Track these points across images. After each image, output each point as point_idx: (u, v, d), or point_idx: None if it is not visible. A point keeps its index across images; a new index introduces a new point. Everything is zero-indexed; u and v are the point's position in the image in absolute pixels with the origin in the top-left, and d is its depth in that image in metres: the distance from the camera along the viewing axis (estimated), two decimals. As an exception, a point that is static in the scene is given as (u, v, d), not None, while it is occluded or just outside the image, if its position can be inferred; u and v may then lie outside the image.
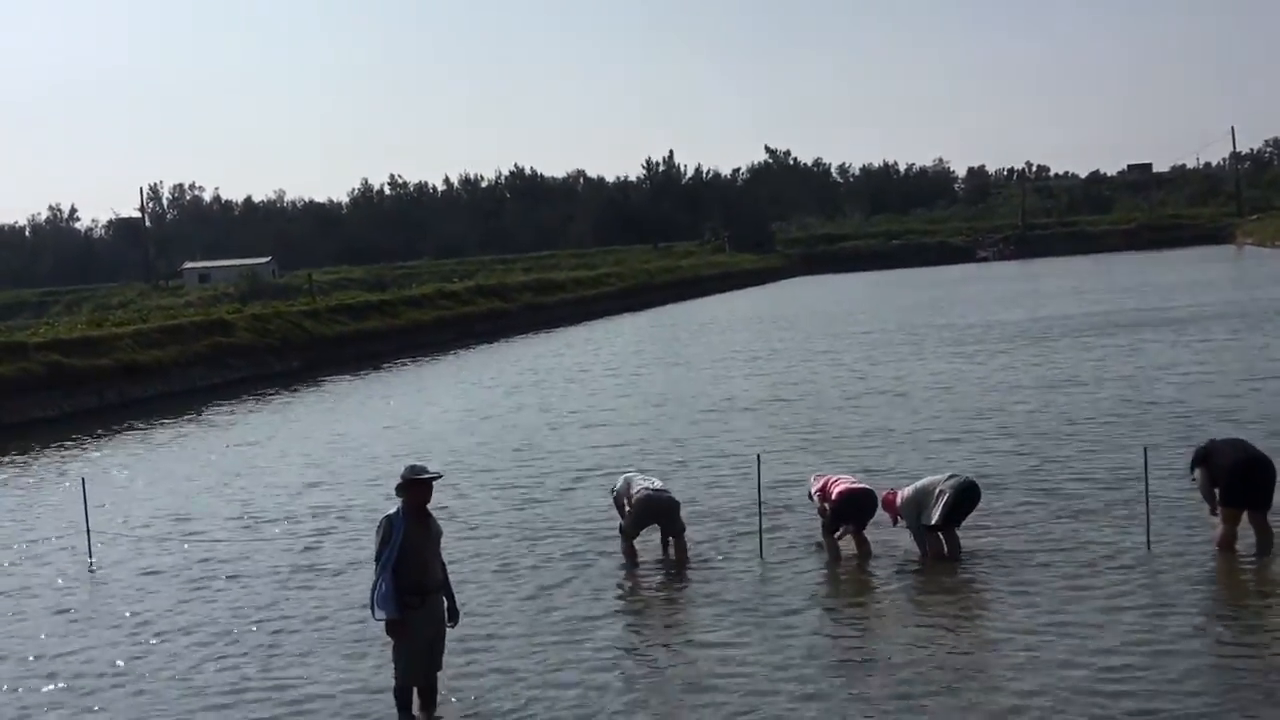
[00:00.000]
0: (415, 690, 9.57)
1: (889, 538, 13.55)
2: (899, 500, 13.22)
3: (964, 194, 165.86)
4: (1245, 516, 12.53)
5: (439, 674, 9.68)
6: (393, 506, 9.52)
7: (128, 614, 13.07)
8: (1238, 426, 18.85)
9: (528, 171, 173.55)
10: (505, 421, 25.66)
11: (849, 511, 13.35)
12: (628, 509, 13.65)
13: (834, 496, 13.32)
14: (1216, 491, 12.58)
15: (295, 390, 35.58)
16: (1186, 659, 9.73)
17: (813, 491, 13.81)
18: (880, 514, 13.55)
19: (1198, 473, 12.77)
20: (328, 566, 14.45)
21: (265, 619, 12.52)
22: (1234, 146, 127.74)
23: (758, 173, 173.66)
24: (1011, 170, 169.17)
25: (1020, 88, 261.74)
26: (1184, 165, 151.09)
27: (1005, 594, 11.69)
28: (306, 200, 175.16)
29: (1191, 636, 10.26)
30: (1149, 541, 12.87)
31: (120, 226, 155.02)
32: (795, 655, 10.42)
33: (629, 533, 13.68)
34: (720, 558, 13.61)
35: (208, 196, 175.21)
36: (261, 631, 12.11)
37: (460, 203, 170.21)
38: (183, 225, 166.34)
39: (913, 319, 46.03)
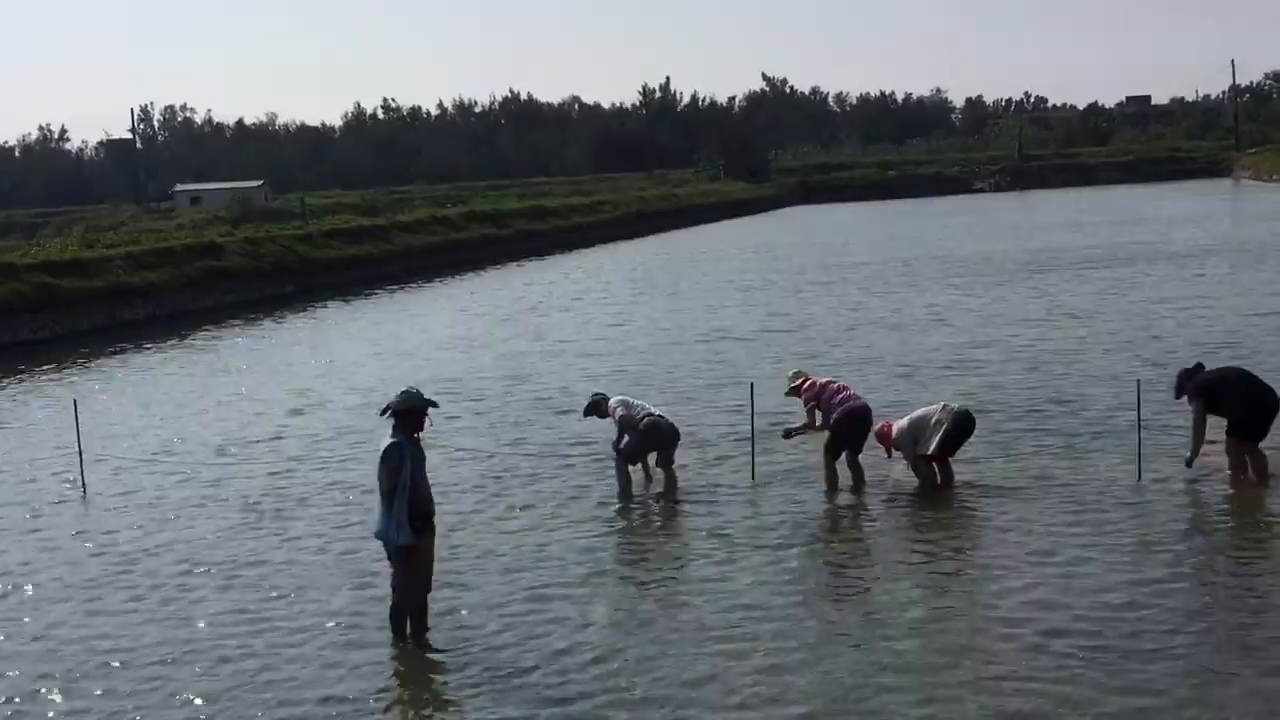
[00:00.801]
0: (409, 614, 9.61)
1: (879, 464, 13.55)
2: (895, 431, 13.18)
3: (961, 125, 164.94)
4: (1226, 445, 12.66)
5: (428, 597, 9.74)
6: (389, 434, 9.44)
7: (103, 536, 13.08)
8: (1234, 360, 18.86)
9: (523, 97, 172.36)
10: (497, 349, 25.59)
11: (855, 431, 13.28)
12: (629, 435, 13.49)
13: (837, 414, 13.24)
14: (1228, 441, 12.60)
15: (286, 315, 35.47)
16: (1174, 595, 9.72)
17: (802, 390, 13.67)
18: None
19: (1195, 404, 12.71)
20: (301, 494, 14.43)
21: (238, 549, 12.49)
22: (1233, 79, 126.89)
23: (754, 101, 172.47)
24: (1009, 101, 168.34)
25: (1019, 18, 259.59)
26: (1183, 98, 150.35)
27: (997, 525, 11.70)
28: (299, 124, 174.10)
29: (1178, 570, 10.24)
30: (1140, 472, 12.87)
31: (111, 148, 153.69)
32: (782, 586, 10.42)
33: (632, 456, 13.58)
34: (712, 486, 13.59)
35: (199, 119, 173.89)
36: (235, 564, 12.05)
37: (454, 128, 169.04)
38: (174, 147, 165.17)
39: (908, 251, 45.87)
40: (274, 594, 10.92)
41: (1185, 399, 12.89)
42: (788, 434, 14.03)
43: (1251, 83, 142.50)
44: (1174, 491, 12.41)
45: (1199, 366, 13.08)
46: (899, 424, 13.20)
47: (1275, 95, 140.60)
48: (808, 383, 13.68)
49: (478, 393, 20.31)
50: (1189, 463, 12.72)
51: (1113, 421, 15.22)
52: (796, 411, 14.21)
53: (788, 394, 14.05)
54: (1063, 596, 9.67)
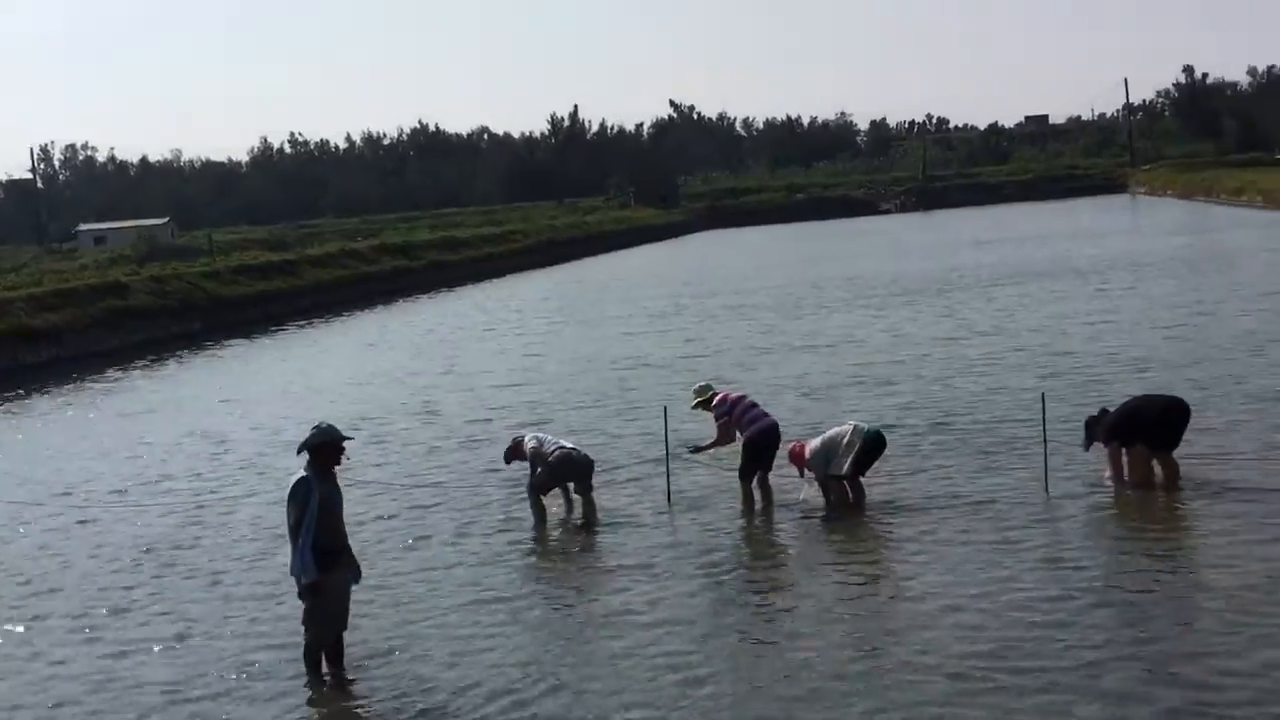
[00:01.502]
0: (324, 651, 9.56)
1: (788, 483, 13.69)
2: (807, 452, 13.33)
3: (866, 147, 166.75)
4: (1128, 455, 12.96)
5: (344, 632, 9.69)
6: (301, 470, 9.40)
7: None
8: (1140, 372, 19.32)
9: (431, 128, 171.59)
10: (409, 383, 25.45)
11: (768, 449, 13.48)
12: (540, 468, 13.63)
13: (750, 433, 13.43)
14: (1125, 452, 12.90)
15: (194, 352, 35.01)
16: (1086, 613, 9.89)
17: (714, 404, 13.79)
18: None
19: (1110, 449, 13.00)
20: (204, 535, 14.27)
21: (140, 592, 12.33)
22: (1127, 98, 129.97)
23: (662, 127, 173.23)
24: (912, 123, 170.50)
25: (920, 41, 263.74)
26: (1079, 117, 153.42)
27: (911, 544, 11.85)
28: (204, 159, 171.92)
29: (1089, 586, 10.42)
30: (1047, 485, 13.12)
31: (11, 188, 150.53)
32: (701, 611, 10.49)
33: (544, 488, 13.66)
34: (628, 512, 13.64)
35: (101, 157, 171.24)
36: (133, 606, 11.91)
37: (363, 160, 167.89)
38: (76, 186, 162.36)
39: (818, 272, 46.33)
40: (179, 631, 10.80)
41: (1098, 444, 13.20)
42: (695, 450, 14.15)
43: (1144, 100, 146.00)
44: (1081, 504, 12.64)
45: (1103, 412, 13.39)
46: (811, 444, 13.35)
47: (1166, 113, 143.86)
48: (719, 396, 13.82)
49: (390, 427, 20.19)
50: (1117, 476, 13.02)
51: (1020, 436, 15.48)
52: (704, 429, 14.33)
53: (694, 407, 14.20)
54: (976, 617, 9.77)
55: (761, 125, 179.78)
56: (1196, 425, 14.29)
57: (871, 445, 13.07)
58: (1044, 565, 10.78)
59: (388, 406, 22.33)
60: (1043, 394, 14.42)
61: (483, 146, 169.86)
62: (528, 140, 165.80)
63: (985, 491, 13.26)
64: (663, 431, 14.62)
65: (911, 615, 9.93)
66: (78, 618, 11.57)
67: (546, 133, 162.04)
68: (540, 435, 14.24)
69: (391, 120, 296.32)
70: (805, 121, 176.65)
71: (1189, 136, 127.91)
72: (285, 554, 9.68)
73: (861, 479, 13.20)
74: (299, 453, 9.48)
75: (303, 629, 9.57)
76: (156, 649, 10.56)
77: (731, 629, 9.98)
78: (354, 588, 9.73)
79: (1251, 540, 11.00)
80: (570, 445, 13.89)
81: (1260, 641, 8.81)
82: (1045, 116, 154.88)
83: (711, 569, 11.55)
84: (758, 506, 13.43)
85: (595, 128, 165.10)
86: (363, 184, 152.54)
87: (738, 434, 13.64)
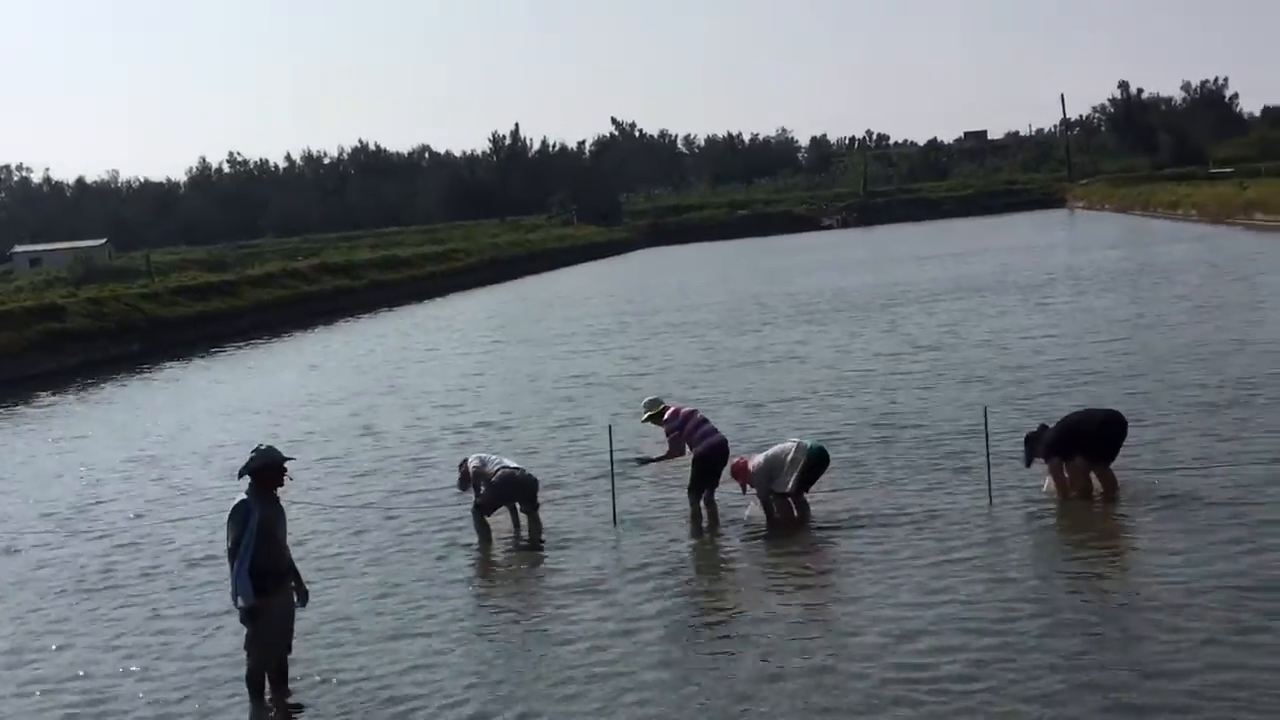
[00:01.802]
0: (266, 675, 9.42)
1: (734, 499, 13.67)
2: (751, 467, 13.31)
3: (807, 163, 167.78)
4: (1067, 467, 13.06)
5: (288, 656, 9.56)
6: (241, 493, 9.29)
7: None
8: (1082, 385, 19.47)
9: (371, 147, 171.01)
10: (351, 404, 25.23)
11: (716, 466, 13.46)
12: (484, 487, 13.55)
13: (700, 449, 13.41)
14: (1065, 466, 13.00)
15: (132, 375, 34.56)
16: (1025, 619, 9.93)
17: (665, 418, 13.75)
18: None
19: (1051, 464, 13.09)
20: (140, 562, 14.05)
21: (76, 623, 12.11)
22: (1064, 113, 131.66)
23: (604, 145, 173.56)
24: (853, 139, 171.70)
25: (860, 58, 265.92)
26: (1017, 132, 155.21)
27: (856, 559, 11.85)
28: (142, 180, 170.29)
29: (1035, 599, 10.46)
30: (990, 498, 13.16)
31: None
32: (647, 629, 10.43)
33: (486, 509, 13.57)
34: (574, 531, 13.56)
35: (37, 178, 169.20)
36: (69, 633, 11.69)
37: (303, 180, 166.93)
38: (11, 208, 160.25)
39: (761, 288, 46.49)
40: (116, 660, 10.60)
41: (1038, 462, 13.29)
42: (643, 463, 14.11)
43: (1081, 116, 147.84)
44: (1023, 518, 12.70)
45: (1043, 428, 13.49)
46: (755, 460, 13.34)
47: (1103, 128, 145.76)
48: (671, 410, 13.80)
49: (332, 448, 19.99)
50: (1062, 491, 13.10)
51: (964, 450, 15.53)
52: (650, 447, 14.28)
53: (645, 420, 14.16)
54: (922, 632, 9.79)
55: (703, 142, 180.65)
56: (1137, 437, 14.45)
57: (815, 462, 13.08)
58: (987, 580, 10.80)
59: (329, 427, 22.11)
60: (985, 408, 14.49)
61: (424, 165, 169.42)
62: (469, 159, 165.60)
63: (930, 506, 13.29)
64: (608, 450, 14.55)
65: (855, 631, 9.91)
66: (8, 653, 11.32)
67: (488, 151, 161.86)
68: (484, 455, 14.16)
69: (332, 139, 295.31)
70: (746, 138, 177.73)
71: (1125, 151, 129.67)
72: (226, 578, 9.52)
73: (806, 495, 13.20)
74: (240, 476, 9.36)
75: (245, 653, 9.42)
76: (93, 679, 10.35)
77: (678, 646, 9.94)
78: (299, 611, 9.60)
79: (1190, 550, 11.08)
80: (514, 464, 13.81)
81: (1199, 651, 8.85)
82: (984, 132, 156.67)
83: (658, 586, 11.49)
84: (704, 523, 13.40)
85: (537, 146, 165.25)
86: (303, 203, 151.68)
87: (687, 449, 13.61)
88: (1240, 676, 8.37)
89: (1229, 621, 9.31)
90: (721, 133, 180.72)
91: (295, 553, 9.85)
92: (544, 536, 13.44)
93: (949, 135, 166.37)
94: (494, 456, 14.11)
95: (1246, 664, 8.56)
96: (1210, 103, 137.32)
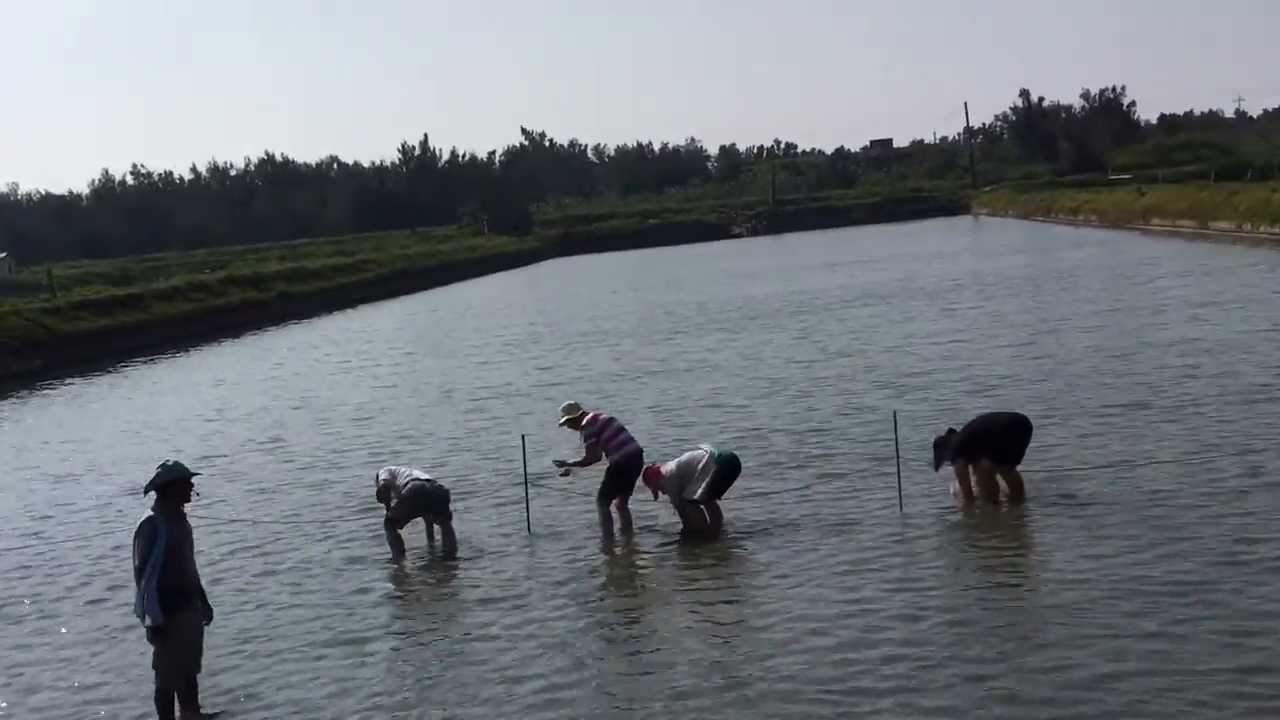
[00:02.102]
0: (175, 693, 9.28)
1: (647, 506, 13.70)
2: (664, 474, 13.35)
3: (717, 172, 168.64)
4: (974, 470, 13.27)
5: (197, 674, 9.44)
6: (147, 509, 9.15)
7: None
8: (989, 389, 19.76)
9: (279, 158, 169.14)
10: (260, 418, 24.93)
11: (631, 475, 13.48)
12: (394, 500, 13.47)
13: (616, 457, 13.42)
14: (971, 469, 13.20)
15: (34, 391, 33.85)
16: (934, 624, 10.06)
17: (583, 424, 13.74)
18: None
19: (957, 466, 13.29)
20: (41, 587, 13.79)
21: None
22: (967, 122, 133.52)
23: (514, 155, 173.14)
24: (761, 148, 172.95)
25: (767, 67, 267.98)
26: (922, 140, 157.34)
27: (766, 564, 11.94)
28: (43, 193, 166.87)
29: (946, 605, 10.60)
30: (901, 503, 13.32)
31: None
32: (562, 639, 10.43)
33: (398, 522, 13.48)
34: (488, 542, 13.52)
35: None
36: None
37: (209, 192, 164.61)
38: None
39: (673, 297, 46.63)
40: (20, 679, 10.38)
41: (946, 465, 13.49)
42: (560, 465, 14.09)
43: (984, 124, 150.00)
44: (933, 522, 12.87)
45: (950, 432, 13.69)
46: (667, 467, 13.39)
47: (1005, 135, 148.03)
48: (589, 416, 13.80)
49: (241, 464, 19.75)
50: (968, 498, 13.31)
51: (874, 455, 15.70)
52: (558, 453, 14.28)
53: (562, 424, 14.14)
54: (835, 638, 9.87)
55: (613, 152, 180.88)
56: (1043, 440, 14.71)
57: (726, 469, 13.15)
58: (898, 585, 10.91)
59: (238, 443, 21.84)
60: (895, 413, 14.66)
61: (332, 176, 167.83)
62: (378, 169, 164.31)
63: (841, 512, 13.42)
64: (521, 460, 14.52)
65: (768, 638, 9.97)
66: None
67: (397, 161, 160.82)
68: (394, 468, 14.07)
69: (238, 150, 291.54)
70: (657, 148, 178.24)
71: (1027, 158, 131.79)
72: (131, 596, 9.37)
73: (719, 501, 13.26)
74: (145, 493, 9.22)
75: (154, 672, 9.27)
76: (-3, 702, 10.14)
77: (593, 656, 9.94)
78: (208, 628, 9.48)
79: (1095, 552, 11.28)
80: (425, 476, 13.72)
81: (1105, 653, 9.00)
82: (890, 140, 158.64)
83: (573, 596, 11.49)
84: (617, 531, 13.42)
85: (446, 156, 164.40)
86: (209, 216, 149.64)
87: (604, 456, 13.62)
88: (1146, 680, 8.53)
89: (1134, 623, 9.49)
90: (631, 142, 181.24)
91: (203, 569, 9.72)
92: (457, 548, 13.37)
93: (856, 144, 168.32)
94: (404, 468, 14.03)
95: (1152, 667, 8.72)
96: (1108, 111, 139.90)
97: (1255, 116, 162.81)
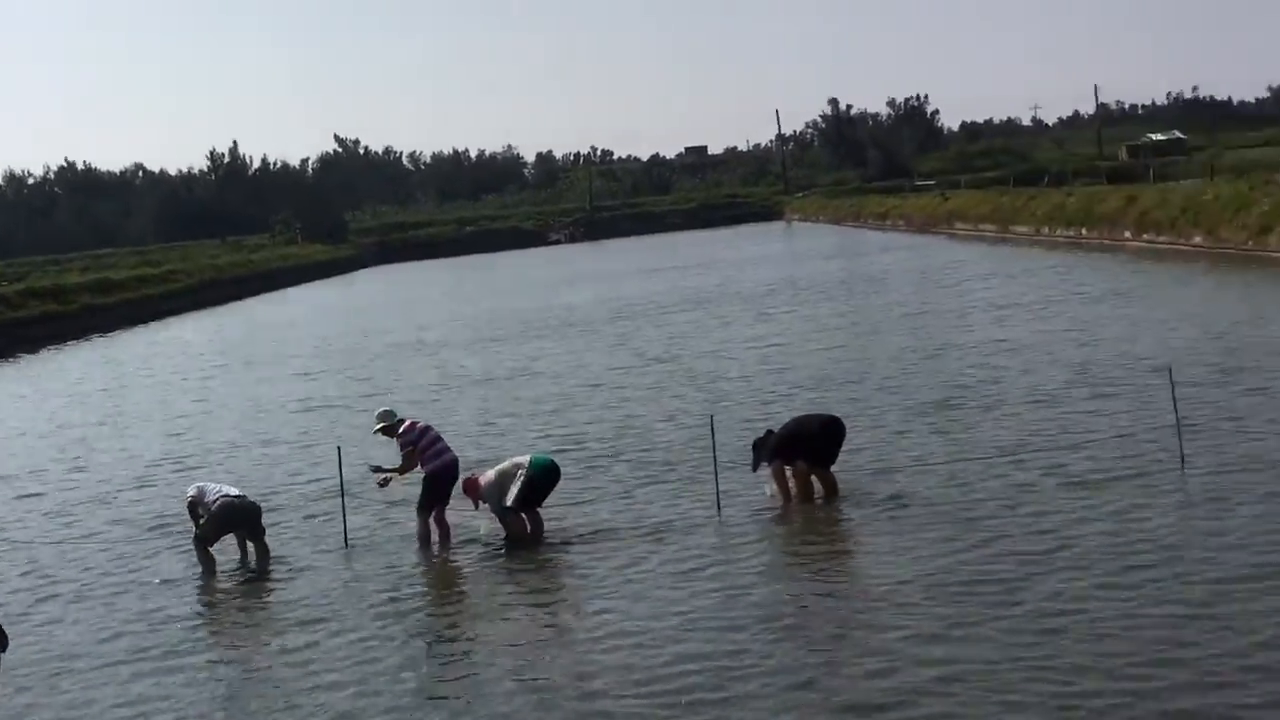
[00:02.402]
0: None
1: (469, 518, 13.55)
2: (482, 484, 13.21)
3: (534, 179, 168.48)
4: (791, 472, 13.45)
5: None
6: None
7: None
8: (806, 391, 20.07)
9: (80, 166, 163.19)
10: (62, 436, 23.96)
11: (448, 485, 13.30)
12: (204, 517, 13.08)
13: (434, 466, 13.24)
14: (788, 470, 13.36)
15: None
16: (754, 629, 10.13)
17: (400, 431, 13.51)
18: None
19: (774, 467, 13.45)
20: None
21: None
22: (779, 129, 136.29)
23: (328, 162, 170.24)
24: (578, 155, 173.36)
25: (582, 75, 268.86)
26: (735, 148, 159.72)
27: (586, 572, 11.89)
28: None
29: (759, 602, 10.70)
30: (719, 509, 13.41)
31: None
32: (380, 655, 10.22)
33: (207, 539, 13.09)
34: (303, 557, 13.20)
35: None
36: None
37: (5, 201, 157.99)
38: None
39: (492, 305, 46.37)
40: None
41: (765, 467, 13.64)
42: (377, 470, 13.84)
43: (795, 131, 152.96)
44: (751, 522, 12.99)
45: (768, 434, 13.86)
46: (486, 476, 13.27)
47: (815, 142, 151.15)
48: (408, 424, 13.57)
49: (43, 483, 18.93)
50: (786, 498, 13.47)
51: (693, 458, 15.79)
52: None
53: (377, 431, 13.88)
54: (655, 645, 9.84)
55: (429, 159, 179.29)
56: (857, 441, 14.98)
57: (544, 475, 13.09)
58: (717, 590, 10.93)
59: (38, 462, 20.94)
60: (711, 418, 14.77)
61: (137, 184, 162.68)
62: (186, 177, 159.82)
63: (660, 517, 13.44)
64: (337, 472, 14.21)
65: (588, 648, 9.91)
66: None
67: (205, 169, 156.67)
68: (203, 484, 13.67)
69: (37, 158, 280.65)
70: (473, 154, 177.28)
71: (837, 165, 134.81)
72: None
73: (540, 510, 13.18)
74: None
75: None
76: None
77: (415, 671, 9.76)
78: (5, 655, 9.05)
79: (909, 549, 11.50)
80: (235, 492, 13.35)
81: (920, 649, 9.14)
82: (704, 147, 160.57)
83: (390, 611, 11.27)
84: (436, 543, 13.23)
85: (257, 163, 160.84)
86: (6, 225, 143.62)
87: (420, 465, 13.42)
88: (958, 668, 8.71)
89: (948, 617, 9.68)
90: (447, 149, 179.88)
91: (1, 595, 9.25)
92: (271, 564, 13.03)
93: (671, 151, 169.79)
94: (213, 485, 13.64)
95: (966, 657, 8.90)
96: (913, 118, 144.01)
97: (1050, 124, 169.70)
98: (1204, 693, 7.97)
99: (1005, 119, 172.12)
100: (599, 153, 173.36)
